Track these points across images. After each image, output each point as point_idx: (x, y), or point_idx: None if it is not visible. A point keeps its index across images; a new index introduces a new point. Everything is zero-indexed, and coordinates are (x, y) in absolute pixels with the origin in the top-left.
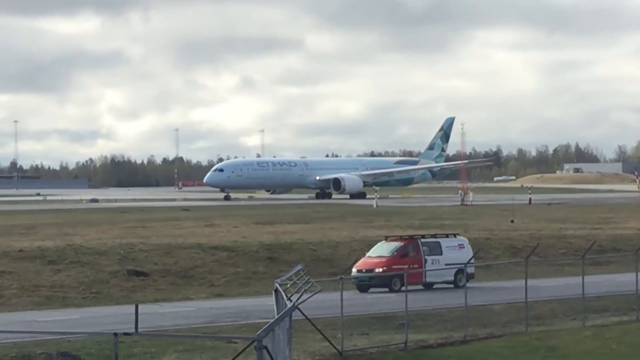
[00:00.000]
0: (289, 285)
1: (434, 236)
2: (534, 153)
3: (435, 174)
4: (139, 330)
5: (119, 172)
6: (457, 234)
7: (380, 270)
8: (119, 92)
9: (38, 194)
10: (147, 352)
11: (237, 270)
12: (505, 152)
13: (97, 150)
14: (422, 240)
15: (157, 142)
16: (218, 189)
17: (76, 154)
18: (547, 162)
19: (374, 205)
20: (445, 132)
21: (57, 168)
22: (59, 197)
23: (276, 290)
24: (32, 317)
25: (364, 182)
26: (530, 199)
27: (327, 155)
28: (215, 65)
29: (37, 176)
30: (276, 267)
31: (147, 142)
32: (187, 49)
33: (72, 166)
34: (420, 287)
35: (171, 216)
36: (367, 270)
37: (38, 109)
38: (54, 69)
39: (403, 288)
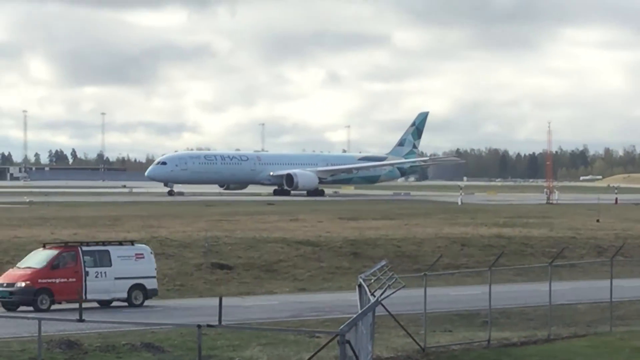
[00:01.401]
0: (372, 281)
1: (103, 243)
2: (621, 153)
3: (404, 172)
4: (223, 322)
5: None
6: (134, 241)
7: (23, 284)
8: (205, 85)
9: (124, 186)
10: (230, 345)
11: (320, 265)
12: (591, 152)
13: (182, 144)
14: (84, 248)
15: (243, 136)
16: (162, 183)
17: (162, 146)
18: (634, 162)
19: (459, 203)
20: (417, 128)
21: (143, 161)
22: (145, 190)
23: (360, 286)
24: (117, 308)
25: (320, 178)
26: (616, 198)
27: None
28: (301, 59)
29: (123, 168)
30: (360, 262)
31: (232, 136)
32: (274, 43)
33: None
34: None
35: (256, 210)
36: (9, 285)
37: (125, 102)
38: (141, 62)
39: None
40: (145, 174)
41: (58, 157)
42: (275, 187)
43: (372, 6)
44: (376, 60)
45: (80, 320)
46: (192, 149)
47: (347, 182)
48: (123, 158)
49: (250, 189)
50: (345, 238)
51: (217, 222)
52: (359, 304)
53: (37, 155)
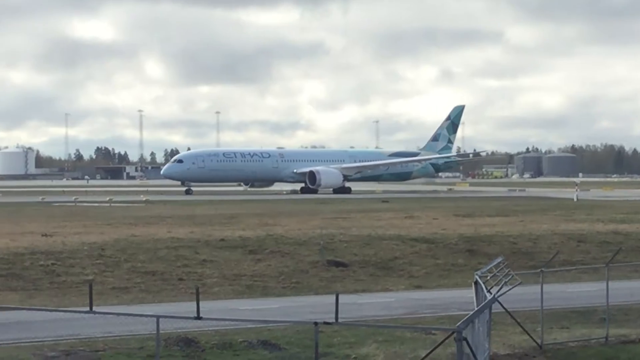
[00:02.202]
0: (488, 278)
1: None
2: None
3: (439, 168)
4: (339, 320)
5: None
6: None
7: None
8: (319, 83)
9: (240, 184)
10: (346, 342)
11: (436, 262)
12: None
13: (296, 142)
14: None
15: (357, 133)
16: (179, 182)
17: (276, 144)
18: None
19: (575, 199)
20: (452, 122)
21: None
22: (260, 188)
23: (476, 283)
24: (234, 306)
25: (345, 175)
26: None
27: (527, 149)
28: (414, 56)
29: None
30: (475, 259)
31: (346, 134)
32: (387, 40)
33: None
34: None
35: (371, 207)
36: None
37: (239, 100)
38: (255, 60)
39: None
40: (161, 172)
41: (173, 155)
42: (302, 185)
43: (484, 2)
44: (489, 57)
45: (198, 317)
46: (306, 147)
47: (376, 179)
48: None
49: (277, 186)
50: (461, 235)
51: (332, 219)
52: (475, 301)
53: (152, 154)
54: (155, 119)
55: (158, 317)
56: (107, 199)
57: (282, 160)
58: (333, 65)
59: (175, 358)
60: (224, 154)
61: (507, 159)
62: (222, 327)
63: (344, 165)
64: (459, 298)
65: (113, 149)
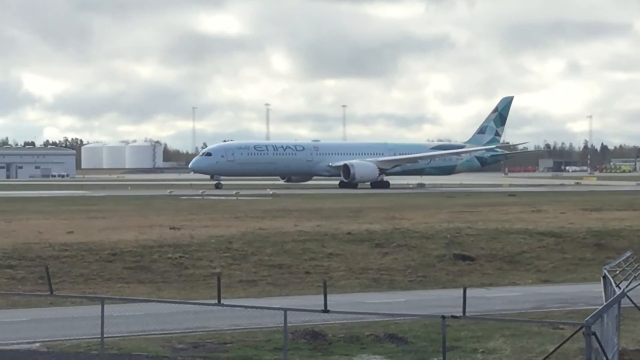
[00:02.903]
0: (617, 272)
1: None
2: None
3: (485, 162)
4: (466, 314)
5: None
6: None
7: None
8: (444, 76)
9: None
10: (474, 336)
11: (564, 257)
12: None
13: (423, 135)
14: None
15: None
16: (208, 176)
17: (402, 138)
18: None
19: None
20: (500, 114)
21: None
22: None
23: (604, 277)
24: (360, 299)
25: (382, 169)
26: None
27: None
28: (541, 50)
29: None
30: (603, 253)
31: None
32: (513, 33)
33: None
34: None
35: (497, 201)
36: None
37: (365, 94)
38: (380, 54)
39: None
40: (189, 165)
41: None
42: (341, 179)
43: None
44: (617, 50)
45: (325, 311)
46: (432, 140)
47: (418, 172)
48: None
49: (315, 180)
50: (589, 229)
51: (459, 213)
52: (603, 295)
53: None
54: (282, 113)
55: (285, 310)
56: (234, 192)
57: (316, 154)
58: (458, 59)
59: (302, 351)
60: (255, 147)
61: (636, 153)
62: (349, 320)
63: (381, 159)
64: (587, 292)
65: None
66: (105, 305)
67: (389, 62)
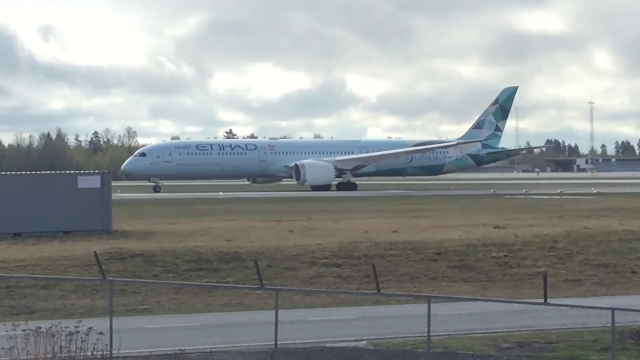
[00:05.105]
0: None
1: None
2: None
3: (481, 161)
4: None
5: None
6: None
7: None
8: None
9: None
10: None
11: None
12: None
13: None
14: None
15: None
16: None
17: None
18: None
19: None
20: (501, 106)
21: None
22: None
23: None
24: None
25: (341, 169)
26: None
27: None
28: None
29: None
30: None
31: None
32: None
33: None
34: None
35: None
36: None
37: None
38: None
39: None
40: (122, 167)
41: (624, 148)
42: (340, 181)
43: None
44: None
45: None
46: None
47: (398, 173)
48: None
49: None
50: None
51: None
52: None
53: (603, 146)
54: (605, 111)
55: (613, 309)
56: (558, 191)
57: (271, 153)
58: None
59: (629, 351)
60: (197, 146)
61: None
62: None
63: (339, 158)
64: None
65: (563, 141)
66: (431, 304)
67: None
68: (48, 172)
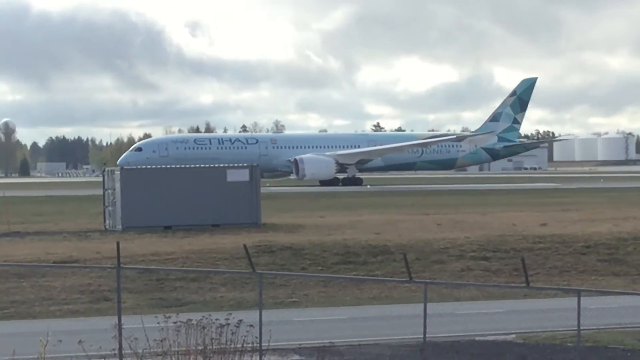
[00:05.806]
0: None
1: None
2: None
3: (496, 154)
4: None
5: None
6: None
7: None
8: None
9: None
10: None
11: None
12: None
13: None
14: None
15: None
16: None
17: None
18: None
19: None
20: (519, 98)
21: None
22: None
23: None
24: None
25: (344, 164)
26: None
27: None
28: None
29: None
30: None
31: None
32: None
33: None
34: None
35: None
36: None
37: None
38: None
39: None
40: (118, 162)
41: None
42: (345, 176)
43: None
44: None
45: None
46: None
47: (408, 167)
48: None
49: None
50: None
51: None
52: None
53: None
54: None
55: None
56: None
57: (273, 147)
58: None
59: None
60: (195, 140)
61: None
62: None
63: (340, 152)
64: None
65: None
66: (581, 298)
67: None
68: (198, 166)
